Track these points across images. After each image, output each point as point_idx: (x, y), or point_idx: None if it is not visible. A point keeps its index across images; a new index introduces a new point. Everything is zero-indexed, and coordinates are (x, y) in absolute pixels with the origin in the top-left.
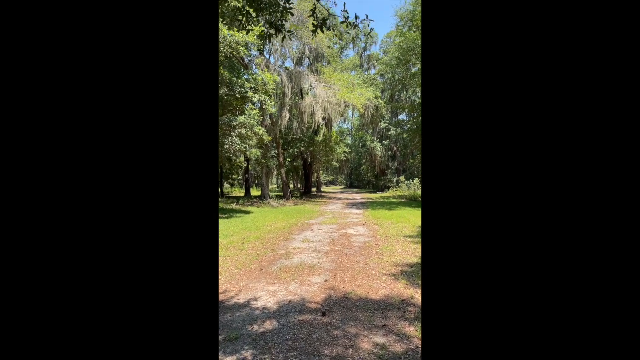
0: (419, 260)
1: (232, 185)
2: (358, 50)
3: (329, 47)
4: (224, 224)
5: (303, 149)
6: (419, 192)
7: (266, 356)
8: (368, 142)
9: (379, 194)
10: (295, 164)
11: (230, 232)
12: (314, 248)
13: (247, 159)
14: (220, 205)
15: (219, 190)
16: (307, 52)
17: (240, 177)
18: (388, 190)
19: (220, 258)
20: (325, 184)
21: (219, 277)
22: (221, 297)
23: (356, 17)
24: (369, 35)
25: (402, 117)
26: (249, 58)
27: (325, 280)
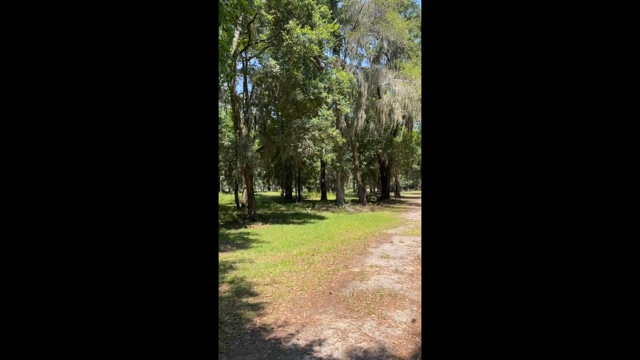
0: None
1: (309, 189)
2: None
3: (409, 39)
4: (296, 231)
5: (380, 151)
6: None
7: None
8: None
9: None
10: (371, 167)
11: (302, 240)
12: (394, 267)
13: (323, 163)
14: (296, 209)
15: (297, 194)
16: (385, 47)
17: (317, 182)
18: None
19: (285, 273)
20: (405, 189)
21: (281, 301)
22: (279, 332)
23: None
24: None
25: None
26: (324, 61)
27: (413, 320)
